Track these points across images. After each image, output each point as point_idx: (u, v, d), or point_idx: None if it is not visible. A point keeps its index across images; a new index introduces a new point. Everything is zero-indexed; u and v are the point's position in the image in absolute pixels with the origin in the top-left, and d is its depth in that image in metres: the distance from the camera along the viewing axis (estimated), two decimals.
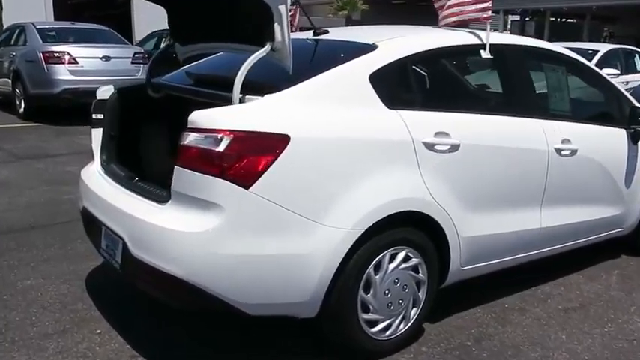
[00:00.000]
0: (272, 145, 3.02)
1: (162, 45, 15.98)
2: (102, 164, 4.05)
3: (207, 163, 2.96)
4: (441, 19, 4.34)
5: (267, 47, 3.26)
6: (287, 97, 3.24)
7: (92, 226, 3.84)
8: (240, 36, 3.52)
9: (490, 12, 4.05)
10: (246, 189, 2.95)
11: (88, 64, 11.86)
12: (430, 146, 3.55)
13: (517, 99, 4.26)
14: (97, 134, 4.12)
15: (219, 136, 2.94)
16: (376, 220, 3.26)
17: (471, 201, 3.79)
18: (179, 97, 3.92)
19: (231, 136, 2.94)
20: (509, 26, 42.11)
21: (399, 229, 3.44)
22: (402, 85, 3.68)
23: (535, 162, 4.21)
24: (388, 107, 3.47)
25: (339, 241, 3.14)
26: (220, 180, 2.93)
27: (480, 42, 4.10)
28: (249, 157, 2.96)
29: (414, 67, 3.76)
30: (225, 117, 3.03)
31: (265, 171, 2.98)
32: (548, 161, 4.26)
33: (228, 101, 3.19)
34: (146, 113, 4.20)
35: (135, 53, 12.70)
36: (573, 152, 4.42)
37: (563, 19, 31.38)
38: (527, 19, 32.50)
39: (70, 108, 12.09)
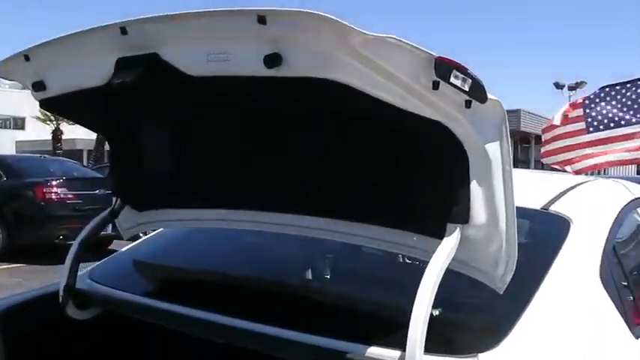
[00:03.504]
0: None
1: None
2: None
3: None
4: (583, 158, 2.83)
5: (454, 237, 1.40)
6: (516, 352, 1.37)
7: None
8: (378, 208, 1.62)
9: None
10: None
11: None
12: None
13: None
14: None
15: None
16: None
17: None
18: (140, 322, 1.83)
19: None
20: None
21: None
22: (629, 286, 1.99)
23: None
24: (632, 332, 1.76)
25: None
26: None
27: None
28: None
29: (622, 246, 2.12)
30: None
31: None
32: None
33: None
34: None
35: None
36: None
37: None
38: None
39: None
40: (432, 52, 1.23)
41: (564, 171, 3.01)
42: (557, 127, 2.99)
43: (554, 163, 3.06)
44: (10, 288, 7.45)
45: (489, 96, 1.33)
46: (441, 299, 1.38)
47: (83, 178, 11.17)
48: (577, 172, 2.97)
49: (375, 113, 1.33)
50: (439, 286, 1.38)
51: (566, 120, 2.91)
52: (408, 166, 1.52)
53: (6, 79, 1.76)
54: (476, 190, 1.40)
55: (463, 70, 1.26)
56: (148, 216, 2.15)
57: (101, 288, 2.05)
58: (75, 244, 2.03)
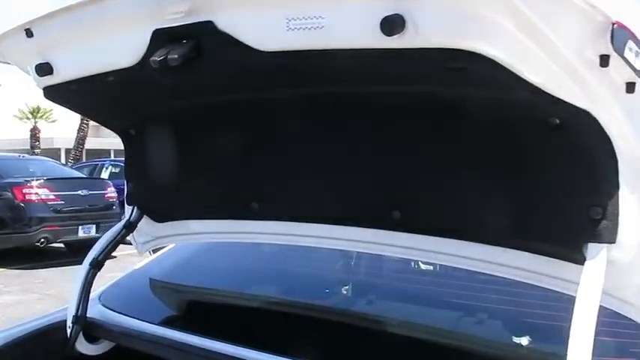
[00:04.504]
0: None
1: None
2: None
3: None
4: None
5: (599, 261, 1.08)
6: None
7: None
8: (493, 223, 1.27)
9: None
10: None
11: None
12: None
13: None
14: None
15: None
16: None
17: None
18: None
19: None
20: None
21: None
22: None
23: None
24: None
25: None
26: None
27: None
28: None
29: None
30: None
31: None
32: None
33: None
34: None
35: None
36: None
37: None
38: None
39: None
40: (607, 13, 0.90)
41: None
42: None
43: None
44: None
45: None
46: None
47: (65, 178, 10.70)
48: None
49: (512, 102, 1.00)
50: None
51: None
52: (535, 169, 1.19)
53: (2, 62, 1.40)
54: (626, 200, 1.08)
55: (637, 40, 0.94)
56: (169, 228, 1.79)
57: (116, 317, 1.70)
58: (85, 265, 1.67)
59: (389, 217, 1.35)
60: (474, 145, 1.21)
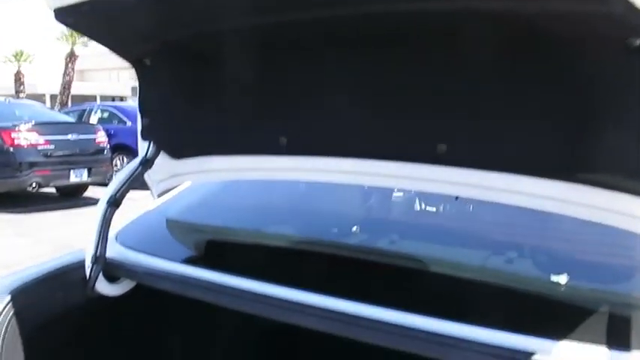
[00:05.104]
0: None
1: None
2: None
3: None
4: None
5: None
6: None
7: None
8: (546, 154, 1.18)
9: None
10: None
11: None
12: None
13: None
14: None
15: None
16: None
17: None
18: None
19: None
20: None
21: None
22: None
23: None
24: None
25: None
26: None
27: None
28: None
29: None
30: None
31: None
32: None
33: None
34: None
35: None
36: None
37: None
38: None
39: None
40: None
41: None
42: None
43: None
44: None
45: None
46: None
47: (54, 122, 10.48)
48: None
49: (590, 17, 0.91)
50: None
51: None
52: (603, 95, 1.10)
53: None
54: None
55: None
56: (187, 165, 1.70)
57: (136, 256, 1.63)
58: (102, 204, 1.58)
59: (433, 150, 1.26)
60: (536, 67, 1.11)
